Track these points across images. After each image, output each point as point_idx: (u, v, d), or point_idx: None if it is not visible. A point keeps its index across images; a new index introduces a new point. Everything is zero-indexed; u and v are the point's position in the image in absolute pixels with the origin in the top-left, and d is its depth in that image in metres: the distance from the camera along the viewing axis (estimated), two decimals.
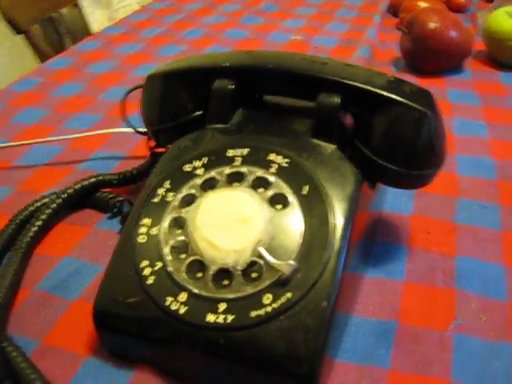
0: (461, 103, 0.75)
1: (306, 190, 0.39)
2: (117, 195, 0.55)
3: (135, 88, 0.52)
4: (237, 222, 0.37)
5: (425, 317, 0.43)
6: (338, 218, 0.37)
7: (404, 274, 0.47)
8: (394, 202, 0.55)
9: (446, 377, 0.39)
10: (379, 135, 0.42)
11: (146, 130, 0.52)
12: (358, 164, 0.41)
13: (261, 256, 0.36)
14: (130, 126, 0.55)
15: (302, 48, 0.94)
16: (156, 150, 0.54)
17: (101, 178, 0.55)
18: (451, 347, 0.41)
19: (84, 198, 0.56)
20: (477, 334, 0.42)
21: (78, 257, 0.50)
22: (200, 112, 0.46)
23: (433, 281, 0.46)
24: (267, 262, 0.35)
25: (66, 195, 0.53)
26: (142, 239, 0.39)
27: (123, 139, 0.66)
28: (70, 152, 0.66)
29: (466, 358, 0.40)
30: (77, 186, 0.54)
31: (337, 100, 0.41)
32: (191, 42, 0.98)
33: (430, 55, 0.81)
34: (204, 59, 0.47)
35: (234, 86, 0.44)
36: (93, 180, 0.55)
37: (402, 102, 0.41)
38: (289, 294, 0.35)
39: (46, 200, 0.53)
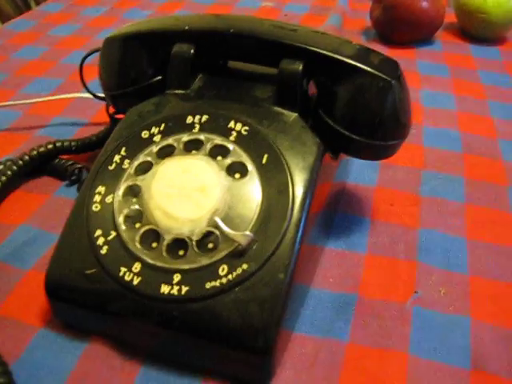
0: (430, 75, 0.74)
1: (265, 158, 0.38)
2: (75, 162, 0.53)
3: (93, 52, 0.50)
4: (193, 190, 0.36)
5: (385, 289, 0.43)
6: (297, 189, 0.36)
7: (366, 246, 0.46)
8: (359, 173, 0.54)
9: (404, 350, 0.38)
10: (343, 104, 0.40)
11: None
12: (321, 134, 0.40)
13: (217, 226, 0.35)
14: (88, 91, 0.53)
15: (273, 15, 0.92)
16: (116, 115, 0.53)
17: (59, 144, 0.54)
18: (410, 320, 0.40)
19: (42, 165, 0.54)
20: (436, 307, 0.41)
21: (33, 225, 0.49)
22: (160, 77, 0.44)
23: (394, 253, 0.46)
24: (223, 233, 0.34)
25: (21, 162, 0.51)
26: (95, 208, 0.38)
27: (83, 105, 0.64)
28: (29, 118, 0.64)
29: (425, 331, 0.40)
30: (33, 153, 0.52)
31: (300, 66, 0.40)
32: (158, 6, 0.95)
33: (400, 25, 0.80)
34: (164, 22, 0.45)
35: (193, 51, 0.42)
36: (50, 146, 0.53)
37: (366, 71, 0.39)
38: (245, 266, 0.34)
39: (1, 167, 0.51)
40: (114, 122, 0.53)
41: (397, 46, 0.82)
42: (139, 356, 0.37)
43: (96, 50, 0.49)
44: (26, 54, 0.80)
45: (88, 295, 0.36)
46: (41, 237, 0.47)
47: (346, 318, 0.40)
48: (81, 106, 0.65)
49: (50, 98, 0.63)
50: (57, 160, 0.54)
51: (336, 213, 0.49)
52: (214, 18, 0.45)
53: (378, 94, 0.40)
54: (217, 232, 0.35)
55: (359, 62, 0.40)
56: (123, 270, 0.35)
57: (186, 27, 0.43)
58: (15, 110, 0.64)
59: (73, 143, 0.54)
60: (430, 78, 0.74)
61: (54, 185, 0.53)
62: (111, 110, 0.53)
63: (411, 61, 0.78)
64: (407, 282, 0.43)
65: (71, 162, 0.53)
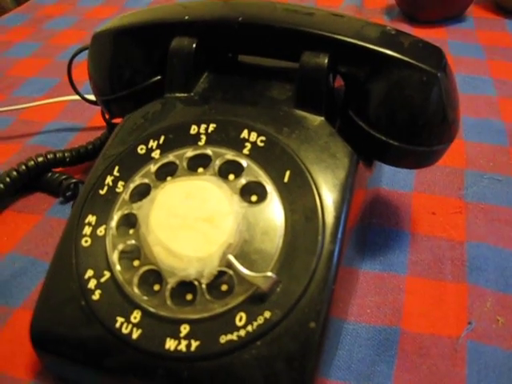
0: (463, 56, 0.67)
1: (287, 176, 0.31)
2: (70, 176, 0.47)
3: (84, 49, 0.44)
4: (200, 221, 0.29)
5: (432, 320, 0.36)
6: (327, 214, 0.30)
7: (406, 266, 0.40)
8: (393, 176, 0.47)
9: None
10: (378, 104, 0.34)
11: None
12: (351, 139, 0.33)
13: (231, 265, 0.28)
14: (79, 95, 0.46)
15: None
16: (113, 120, 0.46)
17: (50, 156, 0.47)
18: (465, 359, 0.34)
19: (33, 180, 0.48)
20: (495, 341, 0.35)
21: (24, 253, 0.43)
22: (158, 77, 0.38)
23: (440, 274, 0.39)
24: (239, 274, 0.28)
25: (8, 179, 0.45)
26: (85, 242, 0.31)
27: (80, 107, 0.58)
28: (20, 124, 0.58)
29: (483, 373, 0.33)
30: (22, 168, 0.46)
31: (325, 60, 0.33)
32: None
33: (427, 2, 0.72)
34: (160, 12, 0.38)
35: (195, 45, 0.35)
36: (41, 159, 0.47)
37: (406, 62, 0.33)
38: (267, 314, 0.28)
39: None
40: (111, 128, 0.47)
41: (424, 25, 0.74)
42: None
43: (84, 48, 0.42)
44: (18, 51, 0.73)
45: (80, 349, 0.30)
46: (32, 267, 0.41)
47: (388, 360, 0.34)
48: (78, 109, 0.58)
49: (43, 101, 0.57)
50: (49, 174, 0.48)
51: (370, 225, 0.42)
52: (219, 5, 0.38)
53: (420, 89, 0.33)
54: (231, 272, 0.28)
55: (398, 52, 0.33)
56: (120, 320, 0.29)
57: (186, 17, 0.36)
58: (6, 115, 0.58)
59: (66, 154, 0.48)
60: (464, 59, 0.66)
61: (47, 202, 0.47)
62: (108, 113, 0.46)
63: (441, 41, 0.70)
64: (458, 311, 0.37)
65: (65, 176, 0.47)
